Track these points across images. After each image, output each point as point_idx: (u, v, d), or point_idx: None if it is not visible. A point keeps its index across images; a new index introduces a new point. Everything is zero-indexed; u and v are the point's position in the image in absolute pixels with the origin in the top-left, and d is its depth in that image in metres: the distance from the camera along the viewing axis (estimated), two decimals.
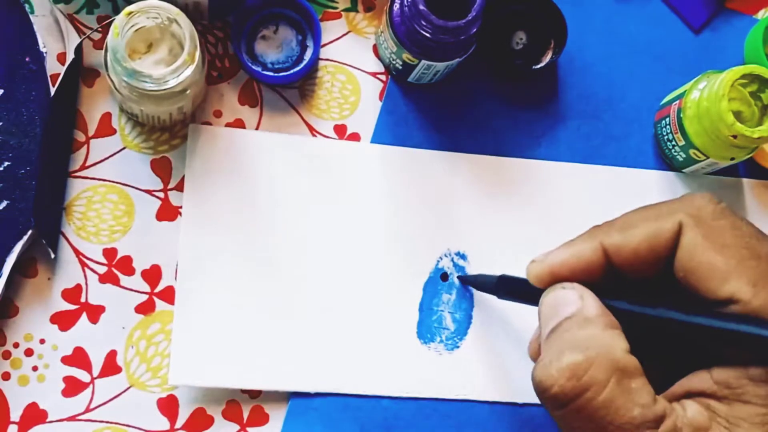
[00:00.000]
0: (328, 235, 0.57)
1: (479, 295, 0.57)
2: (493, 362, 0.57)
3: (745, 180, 0.61)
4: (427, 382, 0.56)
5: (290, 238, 0.56)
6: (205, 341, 0.54)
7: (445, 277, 0.57)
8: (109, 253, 0.55)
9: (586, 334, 0.41)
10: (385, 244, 0.57)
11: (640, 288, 0.44)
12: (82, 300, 0.54)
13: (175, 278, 0.55)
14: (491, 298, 0.56)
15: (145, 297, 0.55)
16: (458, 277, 0.57)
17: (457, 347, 0.57)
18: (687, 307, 0.41)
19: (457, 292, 0.57)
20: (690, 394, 0.41)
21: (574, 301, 0.42)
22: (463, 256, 0.58)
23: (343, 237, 0.57)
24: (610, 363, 0.39)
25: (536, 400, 0.56)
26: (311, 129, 0.58)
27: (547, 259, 0.45)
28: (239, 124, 0.57)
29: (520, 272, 0.58)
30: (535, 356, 0.49)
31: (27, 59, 0.54)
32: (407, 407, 0.56)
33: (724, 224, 0.41)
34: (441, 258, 0.58)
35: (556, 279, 0.44)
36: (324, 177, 0.57)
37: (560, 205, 0.59)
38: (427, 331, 0.57)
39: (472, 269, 0.58)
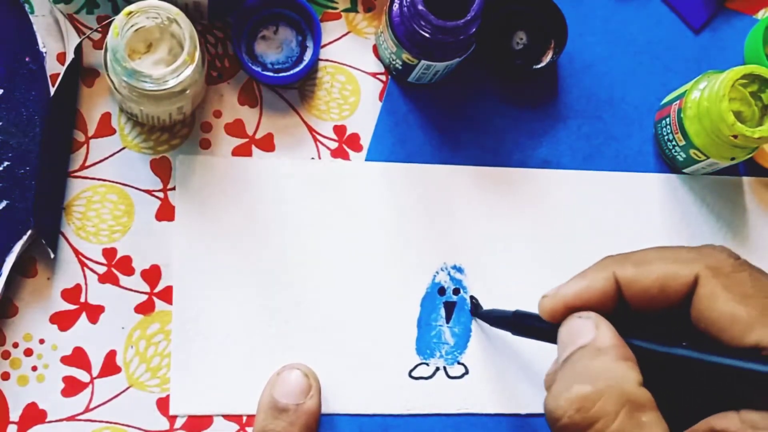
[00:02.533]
0: (323, 255, 0.57)
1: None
2: (494, 375, 0.57)
3: (745, 179, 0.61)
4: (428, 398, 0.56)
5: (285, 261, 0.56)
6: (204, 370, 0.54)
7: (442, 291, 0.57)
8: (109, 253, 0.55)
9: (597, 365, 0.41)
10: (381, 261, 0.57)
11: (650, 321, 0.44)
12: (82, 300, 0.54)
13: (172, 305, 0.55)
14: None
15: (144, 297, 0.55)
16: (472, 313, 0.57)
17: (458, 361, 0.57)
18: (714, 349, 0.41)
19: (456, 306, 0.57)
20: None
21: (589, 330, 0.42)
22: (459, 270, 0.58)
23: (339, 255, 0.57)
24: (621, 395, 0.39)
25: (539, 411, 0.56)
26: (311, 129, 0.58)
27: (560, 293, 0.45)
28: (239, 124, 0.57)
29: (517, 283, 0.58)
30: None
31: (27, 59, 0.54)
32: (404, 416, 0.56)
33: (743, 275, 0.42)
34: (438, 272, 0.57)
35: (571, 312, 0.44)
36: (318, 197, 0.57)
37: (558, 213, 0.59)
38: (426, 347, 0.57)
39: (470, 282, 0.57)
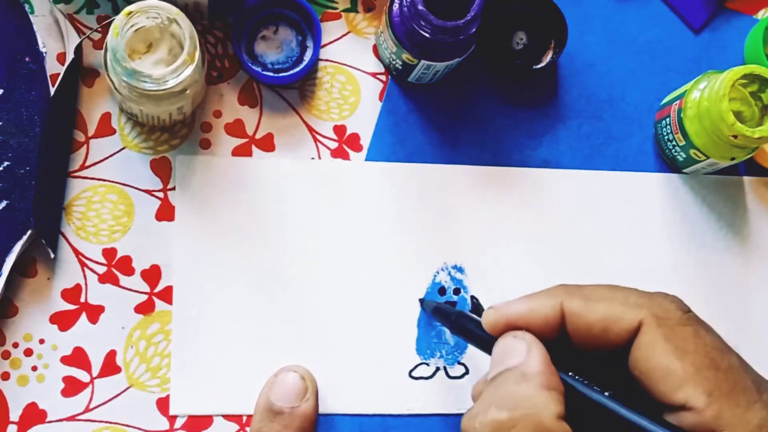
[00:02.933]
0: (323, 255, 0.57)
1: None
2: None
3: (745, 178, 0.61)
4: (428, 398, 0.56)
5: (285, 261, 0.56)
6: (204, 370, 0.54)
7: (442, 291, 0.57)
8: (109, 253, 0.55)
9: (520, 391, 0.40)
10: (381, 260, 0.57)
11: (592, 358, 0.44)
12: (82, 300, 0.54)
13: (172, 305, 0.55)
14: None
15: (144, 297, 0.55)
16: (420, 299, 0.57)
17: (458, 362, 0.57)
18: (632, 402, 0.40)
19: (456, 306, 0.57)
20: None
21: (520, 352, 0.42)
22: (460, 269, 0.57)
23: (338, 255, 0.57)
24: (536, 426, 0.38)
25: None
26: (311, 130, 0.58)
27: (504, 309, 0.44)
28: (239, 124, 0.57)
29: (518, 282, 0.58)
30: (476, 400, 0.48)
31: (27, 59, 0.54)
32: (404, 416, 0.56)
33: (688, 330, 0.41)
34: (438, 272, 0.57)
35: (510, 329, 0.44)
36: (318, 197, 0.57)
37: (558, 213, 0.59)
38: (426, 347, 0.57)
39: (470, 282, 0.57)
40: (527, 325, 0.43)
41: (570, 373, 0.42)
